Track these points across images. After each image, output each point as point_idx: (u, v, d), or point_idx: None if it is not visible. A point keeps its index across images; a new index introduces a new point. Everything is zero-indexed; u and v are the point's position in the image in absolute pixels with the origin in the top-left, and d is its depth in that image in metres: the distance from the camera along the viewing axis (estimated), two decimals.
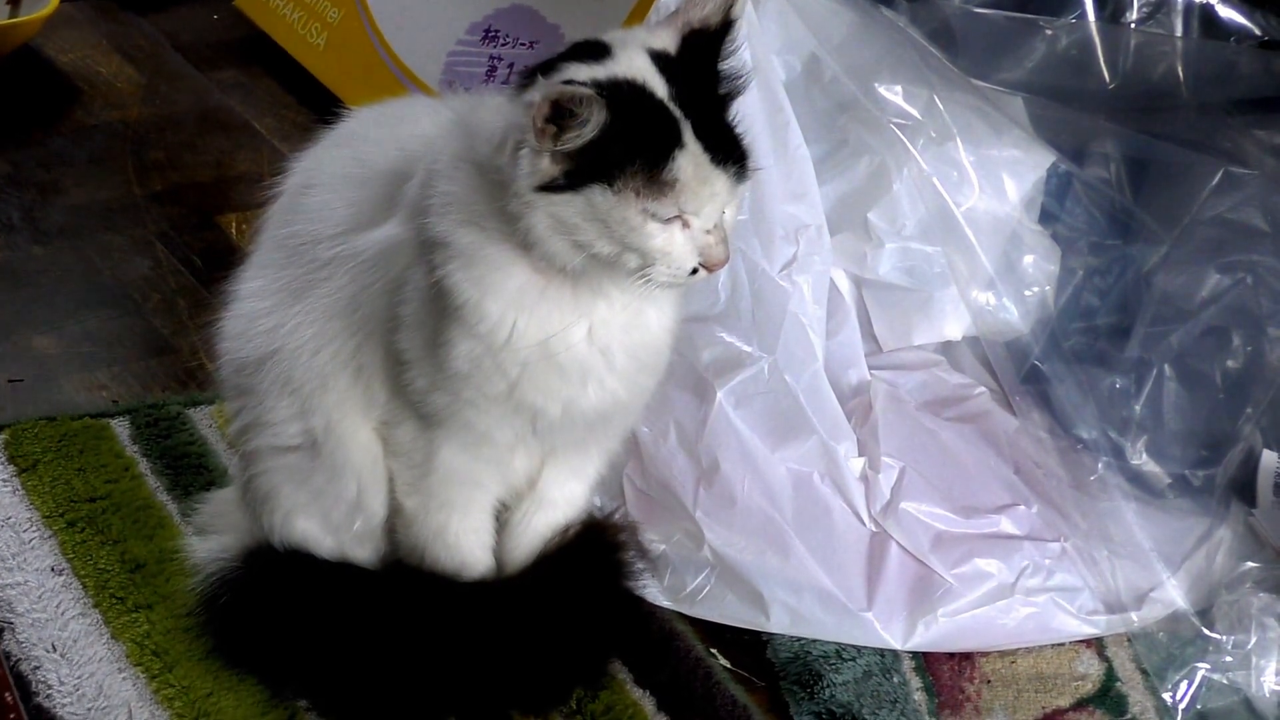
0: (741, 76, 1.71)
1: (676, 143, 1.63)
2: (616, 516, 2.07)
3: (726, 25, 1.69)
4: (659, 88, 1.65)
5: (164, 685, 1.94)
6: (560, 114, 1.59)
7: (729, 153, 1.66)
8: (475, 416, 1.79)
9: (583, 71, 1.65)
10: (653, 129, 1.63)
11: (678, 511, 2.16)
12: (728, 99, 1.70)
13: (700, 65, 1.68)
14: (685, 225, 1.66)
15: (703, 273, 1.68)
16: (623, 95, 1.62)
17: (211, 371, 2.31)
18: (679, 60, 1.68)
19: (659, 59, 1.67)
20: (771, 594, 2.10)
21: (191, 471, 2.23)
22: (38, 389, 2.39)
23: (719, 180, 1.65)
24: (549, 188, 1.63)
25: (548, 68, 1.67)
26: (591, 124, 1.60)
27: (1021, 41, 2.48)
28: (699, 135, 1.64)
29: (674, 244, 1.66)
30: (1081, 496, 2.23)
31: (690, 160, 1.63)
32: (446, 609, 1.90)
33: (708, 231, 1.67)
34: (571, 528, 1.96)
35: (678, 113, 1.64)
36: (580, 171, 1.62)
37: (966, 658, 2.11)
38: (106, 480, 2.20)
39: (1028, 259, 2.37)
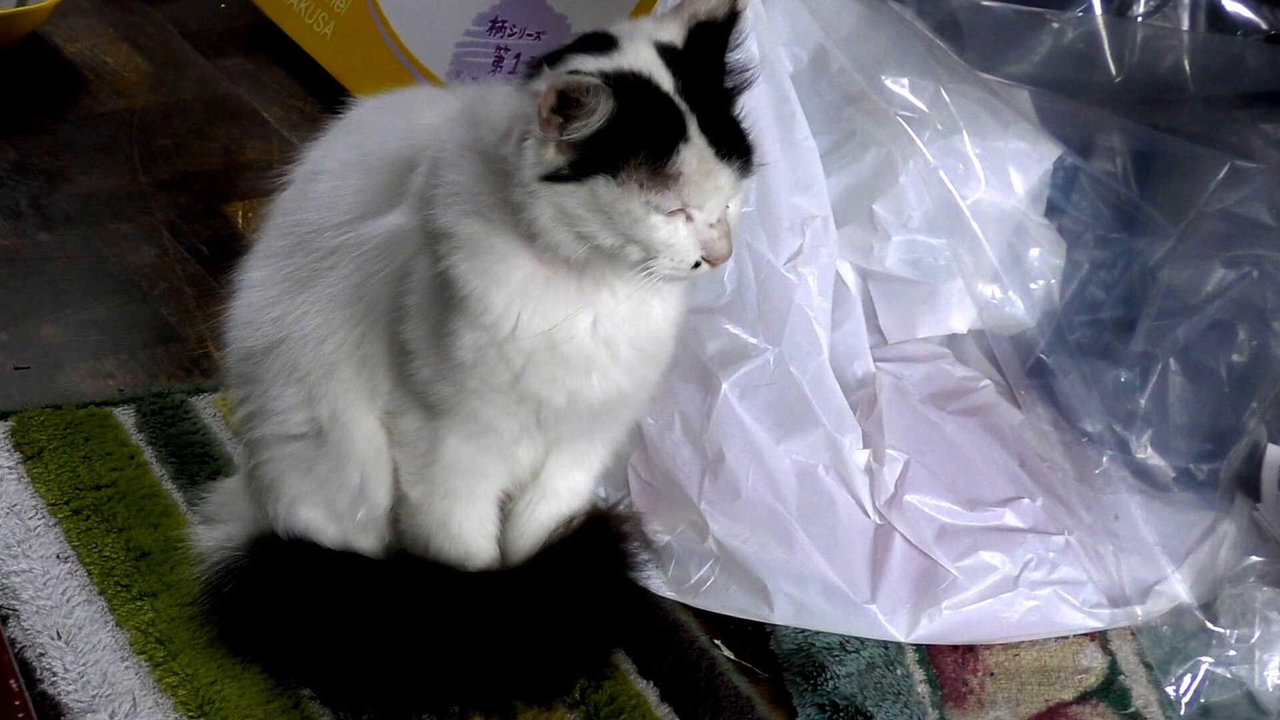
0: (748, 70, 1.71)
1: (681, 136, 1.63)
2: (621, 507, 2.07)
3: (733, 17, 1.69)
4: (664, 80, 1.65)
5: (168, 673, 1.94)
6: (566, 104, 1.59)
7: (734, 147, 1.66)
8: (480, 407, 1.79)
9: (589, 63, 1.65)
10: (658, 122, 1.63)
11: (682, 503, 2.16)
12: (734, 92, 1.70)
13: (706, 58, 1.68)
14: (689, 219, 1.66)
15: (705, 267, 1.68)
16: (628, 87, 1.62)
17: (217, 360, 2.31)
18: (685, 53, 1.68)
19: (665, 52, 1.67)
20: (775, 586, 2.10)
21: (196, 460, 2.24)
22: (43, 376, 2.40)
23: (723, 174, 1.65)
24: (553, 178, 1.64)
25: (554, 59, 1.68)
26: (598, 114, 1.60)
27: (1028, 34, 2.48)
28: (704, 129, 1.64)
29: (677, 237, 1.66)
30: (1086, 490, 2.23)
31: (695, 154, 1.63)
32: (450, 598, 1.90)
33: (711, 225, 1.67)
34: (576, 518, 1.96)
35: (683, 106, 1.64)
36: (584, 162, 1.62)
37: (970, 650, 2.11)
38: (112, 468, 2.20)
39: (1033, 252, 2.37)
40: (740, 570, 2.12)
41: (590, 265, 1.70)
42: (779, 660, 2.07)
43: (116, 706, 1.90)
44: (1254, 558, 2.18)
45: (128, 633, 1.99)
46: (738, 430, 2.17)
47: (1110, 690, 2.09)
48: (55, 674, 1.93)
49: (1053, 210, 2.41)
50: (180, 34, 3.32)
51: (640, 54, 1.66)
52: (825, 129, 2.32)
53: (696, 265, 1.68)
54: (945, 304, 2.38)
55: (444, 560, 1.91)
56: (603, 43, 1.68)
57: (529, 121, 1.62)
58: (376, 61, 3.00)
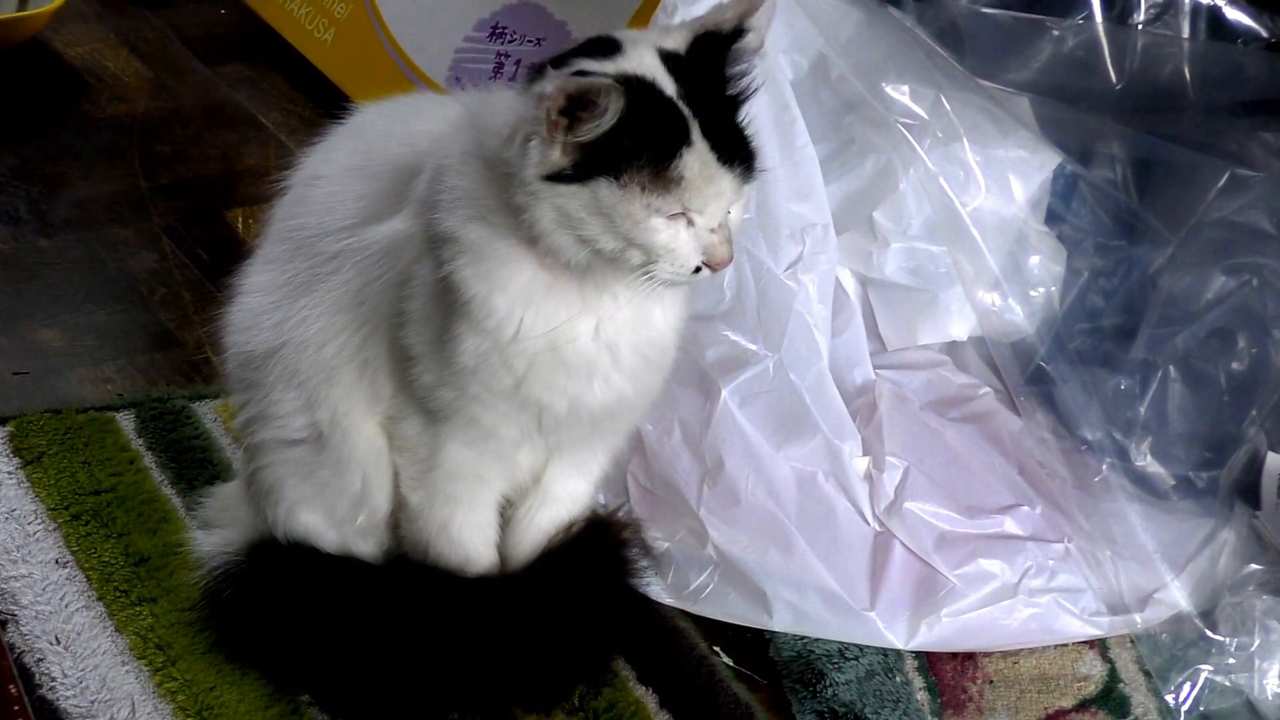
0: (752, 77, 1.71)
1: (684, 140, 1.63)
2: (620, 514, 2.07)
3: (738, 31, 1.69)
4: (668, 85, 1.65)
5: (167, 679, 1.94)
6: (574, 105, 1.59)
7: (736, 152, 1.66)
8: (481, 412, 1.79)
9: (593, 66, 1.65)
10: (661, 125, 1.63)
11: (682, 509, 2.16)
12: (738, 100, 1.70)
13: (709, 65, 1.68)
14: (690, 223, 1.66)
15: (706, 272, 1.68)
16: (631, 90, 1.62)
17: (217, 365, 2.31)
18: (688, 60, 1.68)
19: (668, 58, 1.67)
20: (775, 592, 2.10)
21: (196, 465, 2.23)
22: (43, 381, 2.40)
23: (725, 179, 1.66)
24: (556, 178, 1.64)
25: (558, 62, 1.68)
26: (610, 114, 1.60)
27: (1028, 42, 2.48)
28: (707, 134, 1.64)
29: (678, 241, 1.66)
30: (1085, 497, 2.23)
31: (697, 158, 1.63)
32: (450, 604, 1.90)
33: (712, 230, 1.67)
34: (575, 524, 1.96)
35: (686, 111, 1.64)
36: (587, 164, 1.62)
37: (969, 658, 2.11)
38: (111, 473, 2.20)
39: (1033, 260, 2.37)
40: (739, 577, 2.12)
41: (592, 270, 1.70)
42: (778, 667, 2.07)
43: (115, 712, 1.90)
44: (1254, 566, 2.18)
45: (127, 638, 1.98)
46: (737, 437, 2.17)
47: (1109, 698, 2.09)
48: (54, 679, 1.92)
49: (1053, 218, 2.41)
50: (180, 40, 3.32)
51: (644, 59, 1.66)
52: (825, 136, 2.32)
53: (697, 270, 1.68)
54: (945, 311, 2.38)
55: (444, 565, 1.91)
56: (606, 47, 1.68)
57: (534, 124, 1.62)
58: (376, 68, 3.00)
